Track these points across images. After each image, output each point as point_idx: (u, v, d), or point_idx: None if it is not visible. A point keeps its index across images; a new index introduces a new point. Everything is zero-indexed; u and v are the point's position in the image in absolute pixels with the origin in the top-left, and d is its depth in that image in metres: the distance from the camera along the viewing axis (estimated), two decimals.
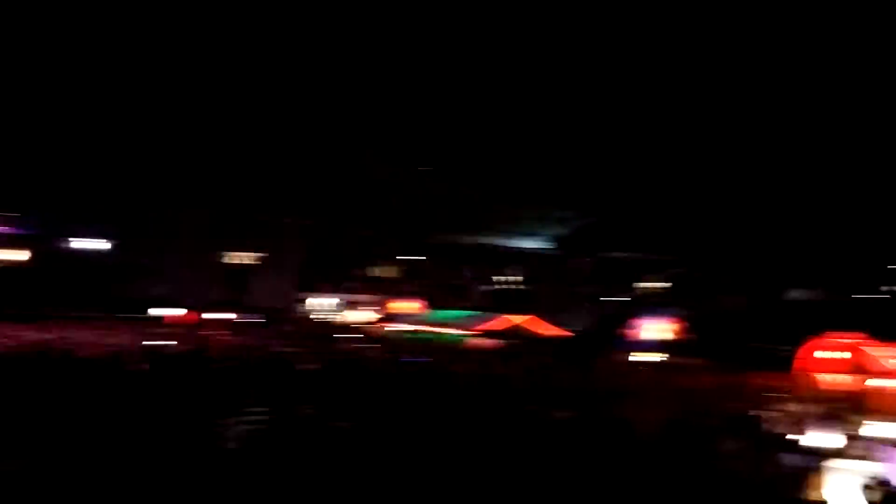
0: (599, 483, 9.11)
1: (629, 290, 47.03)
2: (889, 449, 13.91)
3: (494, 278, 57.21)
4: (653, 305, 36.86)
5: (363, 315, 51.21)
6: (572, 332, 39.20)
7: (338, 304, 57.45)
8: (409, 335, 36.45)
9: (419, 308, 47.06)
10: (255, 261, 57.48)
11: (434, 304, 49.94)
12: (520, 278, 55.72)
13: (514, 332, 33.32)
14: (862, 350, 19.32)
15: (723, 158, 58.01)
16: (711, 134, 70.77)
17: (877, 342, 18.75)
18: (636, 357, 28.16)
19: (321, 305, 57.63)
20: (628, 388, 19.14)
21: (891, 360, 18.28)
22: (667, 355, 28.00)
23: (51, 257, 48.33)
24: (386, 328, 40.51)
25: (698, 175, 75.15)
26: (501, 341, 31.84)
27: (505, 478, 8.55)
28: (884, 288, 46.71)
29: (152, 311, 43.70)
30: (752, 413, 15.55)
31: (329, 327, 41.96)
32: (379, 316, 49.14)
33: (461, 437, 10.46)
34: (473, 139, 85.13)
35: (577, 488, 8.75)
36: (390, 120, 78.49)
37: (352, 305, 56.14)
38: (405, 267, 62.85)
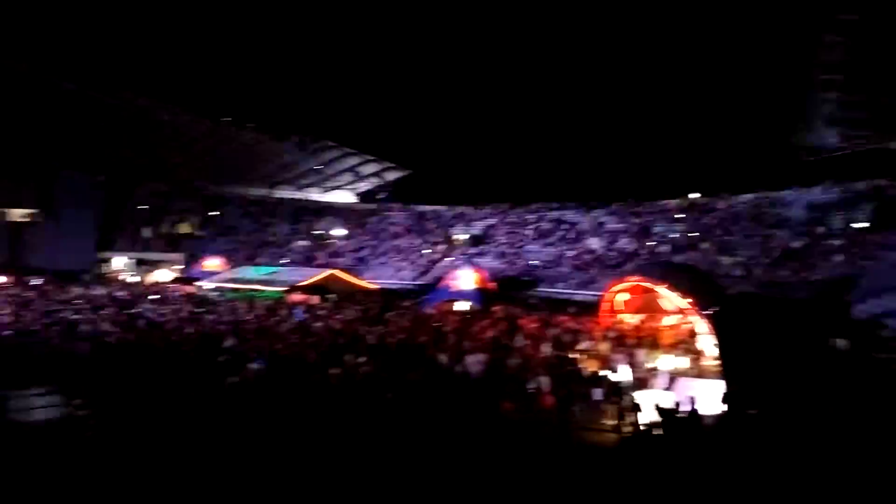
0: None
1: (445, 242, 48.45)
2: (670, 377, 15.95)
3: (307, 233, 56.25)
4: (468, 256, 38.38)
5: (163, 275, 48.12)
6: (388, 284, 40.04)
7: (137, 264, 53.51)
8: (223, 293, 34.81)
9: (222, 265, 45.21)
10: (38, 218, 51.78)
11: (242, 260, 48.35)
12: (335, 232, 55.30)
13: (327, 287, 33.28)
14: (653, 291, 21.51)
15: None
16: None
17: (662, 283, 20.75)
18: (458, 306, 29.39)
19: (119, 265, 53.47)
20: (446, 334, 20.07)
21: (673, 301, 20.58)
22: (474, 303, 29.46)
23: None
24: (186, 288, 38.13)
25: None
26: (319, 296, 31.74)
27: None
28: None
29: None
30: (565, 354, 17.04)
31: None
32: (176, 275, 46.48)
33: None
34: (279, 88, 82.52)
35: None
36: (187, 67, 73.52)
37: (151, 265, 52.54)
38: (209, 222, 59.78)
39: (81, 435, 10.56)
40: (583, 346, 18.56)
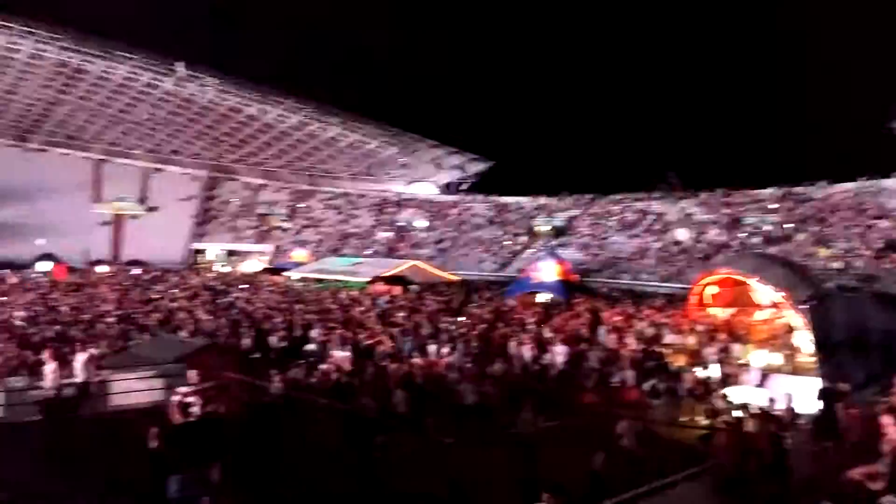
0: None
1: (527, 234, 48.14)
2: (763, 374, 15.29)
3: (390, 224, 57.08)
4: (550, 248, 37.88)
5: (252, 265, 50.00)
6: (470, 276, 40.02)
7: (227, 255, 55.97)
8: (309, 284, 35.77)
9: (308, 256, 46.47)
10: (139, 211, 55.04)
11: (327, 251, 49.59)
12: (417, 224, 55.90)
13: (409, 278, 33.69)
14: (745, 284, 20.67)
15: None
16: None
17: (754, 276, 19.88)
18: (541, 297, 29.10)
19: (211, 256, 56.14)
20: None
21: (766, 294, 19.70)
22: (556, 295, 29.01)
23: None
24: (274, 278, 39.35)
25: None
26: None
27: None
28: None
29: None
30: (651, 348, 16.62)
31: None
32: (264, 266, 48.10)
33: None
34: (364, 82, 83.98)
35: None
36: (276, 63, 75.69)
37: (242, 256, 54.81)
38: (296, 215, 61.69)
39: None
40: (669, 340, 18.07)
